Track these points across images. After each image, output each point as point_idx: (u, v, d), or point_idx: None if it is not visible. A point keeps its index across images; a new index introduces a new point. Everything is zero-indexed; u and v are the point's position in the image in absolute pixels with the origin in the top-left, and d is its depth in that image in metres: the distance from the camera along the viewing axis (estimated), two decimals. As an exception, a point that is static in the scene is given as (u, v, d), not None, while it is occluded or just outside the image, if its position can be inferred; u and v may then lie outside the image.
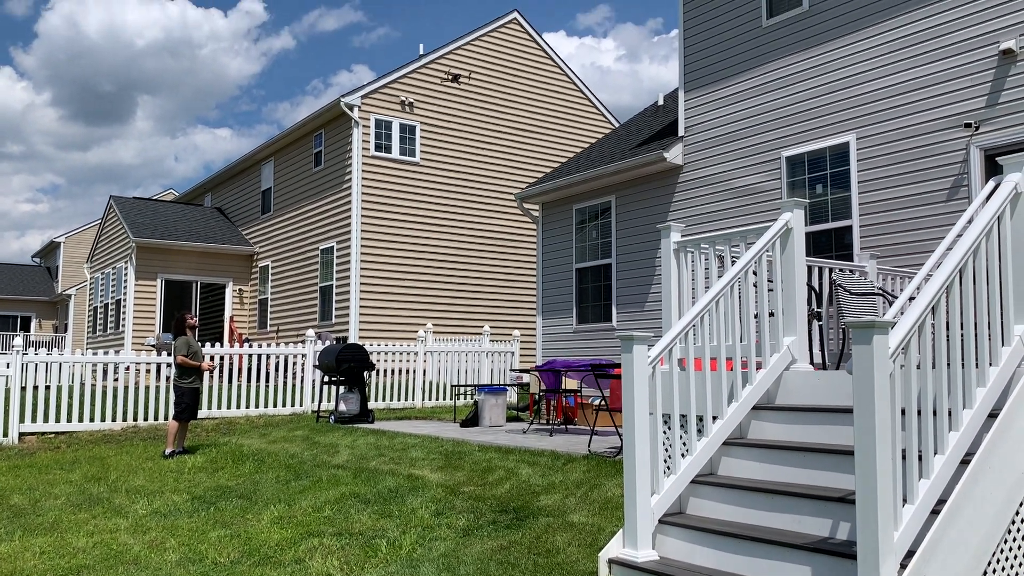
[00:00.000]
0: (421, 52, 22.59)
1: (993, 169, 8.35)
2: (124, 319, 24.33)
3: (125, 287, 24.46)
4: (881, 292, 7.52)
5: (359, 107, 20.99)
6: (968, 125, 8.69)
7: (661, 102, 15.94)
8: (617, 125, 24.35)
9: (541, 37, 24.52)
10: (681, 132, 12.24)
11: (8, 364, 11.72)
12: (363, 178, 20.93)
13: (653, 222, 12.57)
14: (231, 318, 25.31)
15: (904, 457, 3.88)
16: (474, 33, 23.19)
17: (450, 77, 21.31)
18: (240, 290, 25.82)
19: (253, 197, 26.48)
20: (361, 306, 20.59)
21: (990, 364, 4.46)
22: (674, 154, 12.12)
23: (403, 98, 21.68)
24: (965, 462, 4.08)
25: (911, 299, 5.64)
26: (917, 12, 9.30)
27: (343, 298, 20.90)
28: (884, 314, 7.34)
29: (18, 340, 11.94)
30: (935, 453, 4.03)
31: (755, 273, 6.02)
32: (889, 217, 9.41)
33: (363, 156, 20.99)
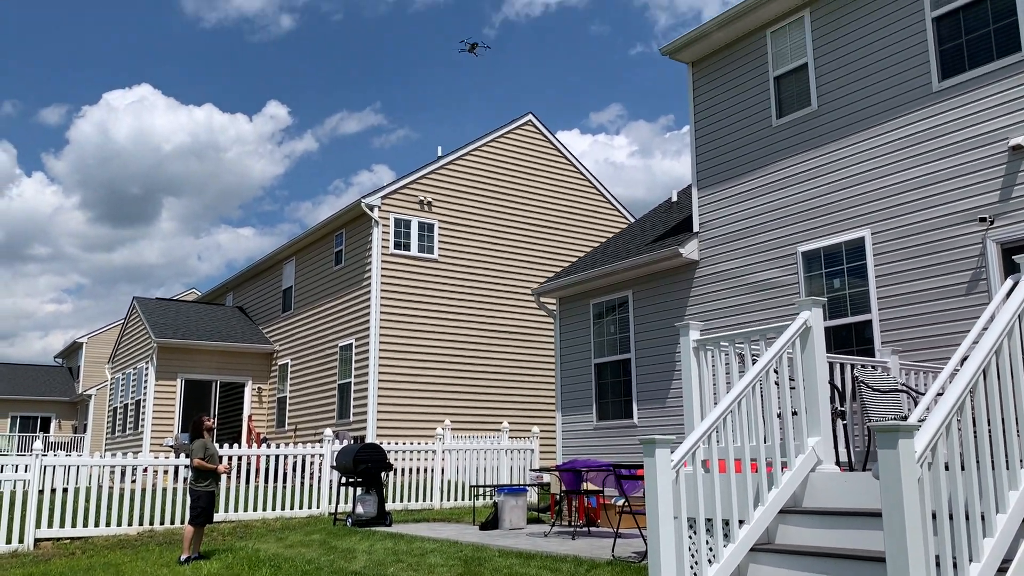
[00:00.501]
0: (439, 154, 23.19)
1: (1011, 263, 8.35)
2: (143, 420, 24.32)
3: (145, 387, 24.54)
4: (905, 388, 7.43)
5: (379, 207, 21.43)
6: (983, 219, 8.73)
7: (675, 198, 16.16)
8: (632, 220, 24.66)
9: (555, 137, 25.14)
10: (696, 228, 12.37)
11: (27, 467, 11.70)
12: (382, 275, 21.19)
13: (671, 317, 12.57)
14: (249, 417, 25.25)
15: (938, 564, 3.76)
16: (491, 135, 23.82)
17: (469, 46, 20.95)
18: (259, 388, 25.84)
19: (274, 296, 26.80)
20: (379, 403, 20.52)
21: (1021, 466, 4.37)
22: (689, 250, 12.22)
23: (421, 197, 22.13)
24: (1003, 570, 3.95)
25: (938, 395, 5.56)
26: (925, 110, 9.49)
27: (361, 396, 20.86)
28: (909, 411, 7.23)
29: (37, 444, 11.96)
30: (970, 561, 3.91)
31: (776, 372, 5.99)
32: (909, 311, 9.38)
33: (382, 254, 21.31)
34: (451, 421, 19.64)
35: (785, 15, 11.31)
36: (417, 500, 14.87)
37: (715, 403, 6.59)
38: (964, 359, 6.04)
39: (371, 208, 21.26)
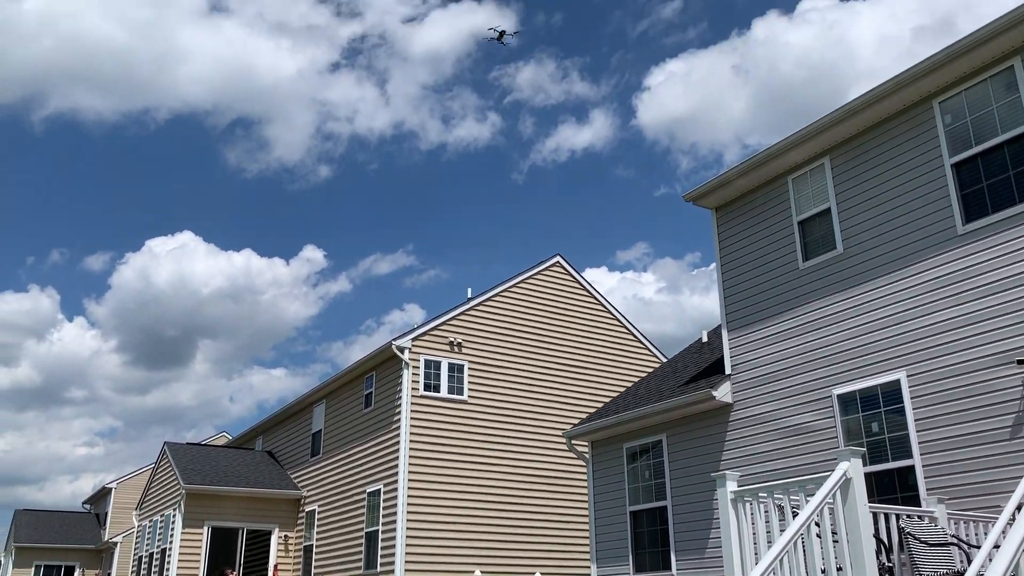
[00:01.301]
0: (469, 295, 23.54)
1: (1054, 406, 8.14)
2: (168, 570, 23.78)
3: (172, 535, 24.14)
4: (956, 541, 7.12)
5: (409, 349, 21.58)
6: (1021, 362, 8.59)
7: (705, 339, 16.14)
8: (663, 359, 24.55)
9: (583, 276, 25.48)
10: (728, 370, 12.28)
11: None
12: (411, 418, 21.08)
13: (707, 463, 12.29)
14: (276, 566, 24.60)
15: None
16: (519, 276, 24.22)
17: (497, 35, 20.47)
18: (285, 536, 25.31)
19: (303, 440, 26.67)
20: (407, 552, 19.95)
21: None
22: (722, 392, 12.08)
23: (451, 339, 22.30)
24: None
25: (994, 548, 5.31)
26: (950, 253, 9.54)
27: (389, 544, 20.31)
28: (962, 565, 6.90)
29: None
30: None
31: (818, 524, 5.79)
32: (952, 456, 9.10)
33: (412, 396, 21.28)
34: (481, 572, 18.98)
35: (805, 162, 11.62)
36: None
37: (756, 557, 6.34)
38: (1019, 507, 5.81)
39: (401, 350, 21.43)
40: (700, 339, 16.47)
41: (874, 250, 10.45)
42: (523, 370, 23.32)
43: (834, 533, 5.95)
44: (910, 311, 9.86)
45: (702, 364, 14.26)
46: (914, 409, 9.58)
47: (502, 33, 20.09)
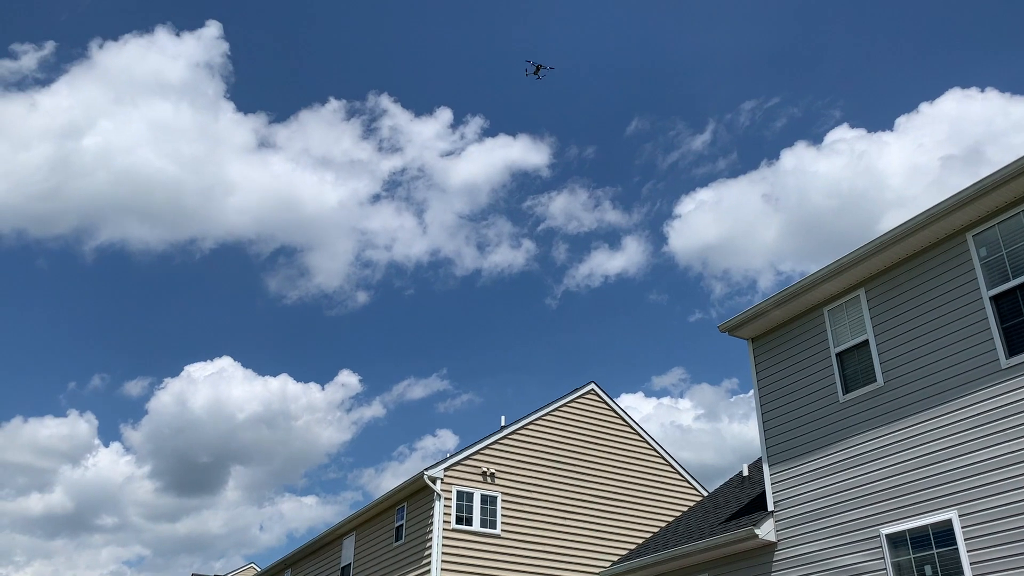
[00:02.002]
0: (502, 423, 23.28)
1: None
2: None
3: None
4: None
5: (441, 479, 21.23)
6: (1079, 502, 8.21)
7: (746, 472, 15.71)
8: (704, 493, 23.85)
9: (618, 404, 25.15)
10: (770, 507, 11.87)
11: None
12: (443, 554, 20.49)
13: (751, 605, 11.71)
14: None
15: None
16: (553, 404, 23.98)
17: (534, 68, 20.21)
18: (311, 677, 24.26)
19: (332, 573, 25.95)
20: None
21: None
22: (765, 530, 11.64)
23: (484, 469, 21.93)
24: None
25: None
26: (994, 388, 9.31)
27: None
28: None
29: None
30: None
31: None
32: (1014, 604, 8.57)
33: (443, 529, 20.76)
34: None
35: (841, 294, 11.60)
36: None
37: None
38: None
39: (433, 480, 21.07)
40: (741, 473, 16.03)
41: (916, 383, 10.24)
42: (557, 503, 22.75)
43: None
44: (957, 447, 9.55)
45: (743, 499, 13.83)
46: (969, 552, 9.13)
47: (539, 67, 20.70)
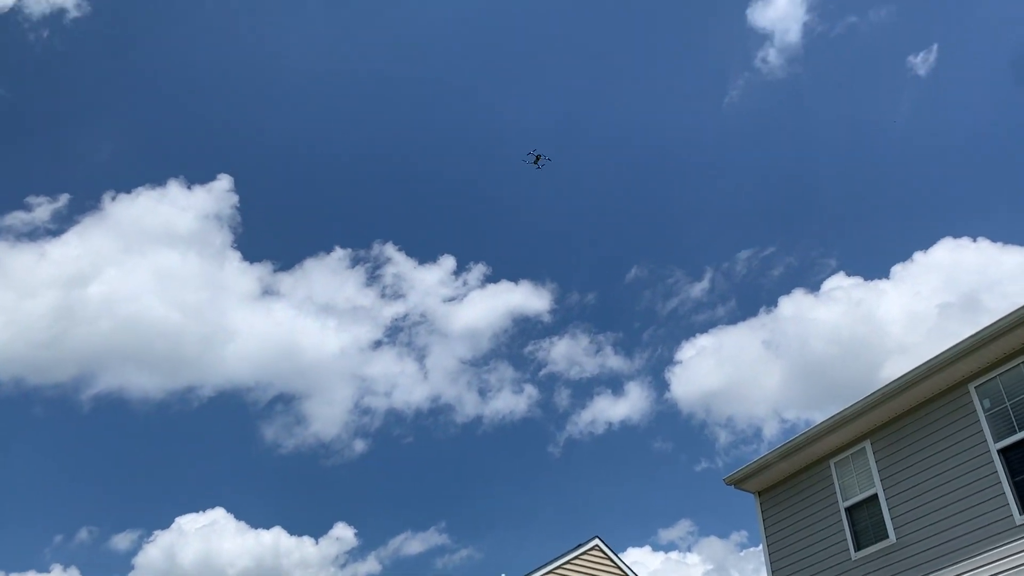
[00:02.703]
0: (503, 581, 22.35)
1: None
2: None
3: None
4: None
5: (439, 643, 20.16)
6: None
7: (758, 635, 14.95)
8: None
9: (623, 561, 24.23)
10: (785, 674, 11.22)
11: None
12: None
13: None
14: None
15: None
16: (555, 561, 23.10)
17: (534, 158, 19.53)
18: None
19: None
20: None
21: None
22: None
23: (484, 631, 20.86)
24: None
25: None
26: (1013, 544, 8.99)
27: None
28: None
29: None
30: None
31: None
32: None
33: None
34: None
35: (846, 445, 11.43)
36: None
37: None
38: None
39: (431, 644, 20.01)
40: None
41: (929, 540, 9.91)
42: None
43: None
44: (979, 609, 9.13)
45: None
46: None
47: (538, 157, 21.02)
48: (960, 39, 36.31)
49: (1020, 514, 9.04)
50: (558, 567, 23.18)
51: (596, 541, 24.14)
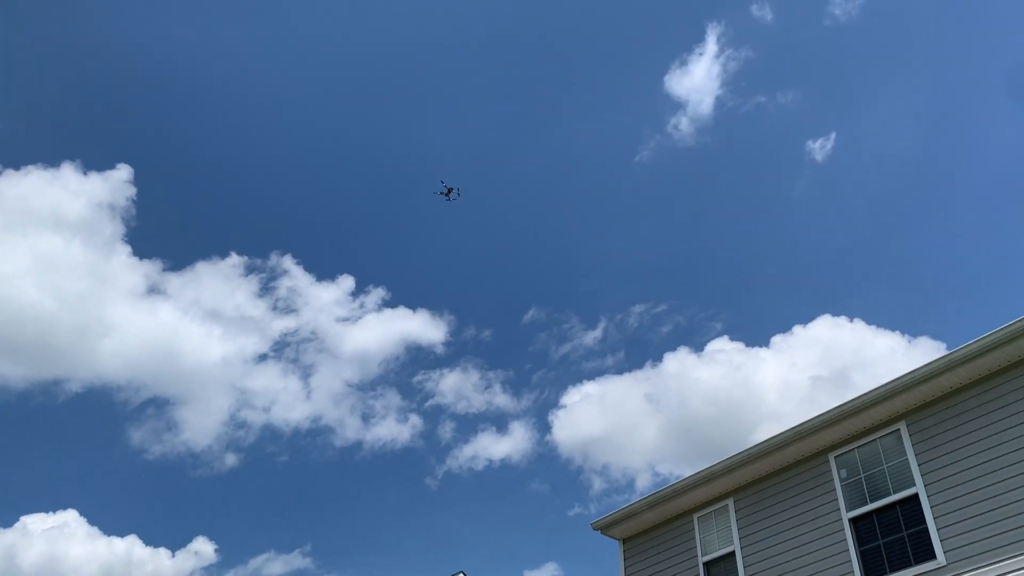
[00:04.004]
0: (361, 611, 21.81)
1: None
2: None
3: None
4: None
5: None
6: None
7: None
8: None
9: (486, 600, 24.05)
10: None
11: None
12: None
13: None
14: None
15: None
16: (418, 593, 22.73)
17: (446, 191, 19.20)
18: None
19: None
20: None
21: None
22: None
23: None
24: None
25: None
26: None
27: None
28: None
29: None
30: None
31: None
32: None
33: None
34: None
35: (710, 501, 11.72)
36: None
37: None
38: None
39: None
40: None
41: (779, 601, 10.22)
42: None
43: None
44: (816, 672, 9.44)
45: None
46: None
47: (450, 190, 20.84)
48: (856, 131, 38.57)
49: (863, 582, 9.44)
50: (418, 600, 22.76)
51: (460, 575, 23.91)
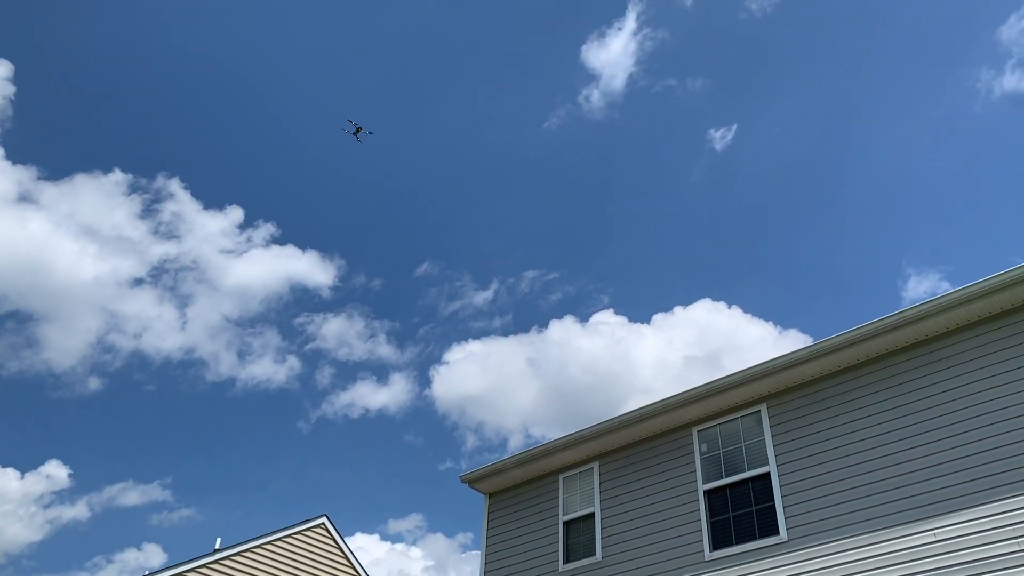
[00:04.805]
0: (217, 546, 21.46)
1: None
2: None
3: None
4: None
5: (132, 599, 18.97)
6: None
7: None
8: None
9: (347, 544, 24.06)
10: (474, 671, 11.59)
11: None
12: None
13: None
14: None
15: None
16: (277, 533, 22.51)
17: (355, 129, 18.76)
18: None
19: None
20: None
21: None
22: None
23: (185, 594, 19.87)
24: None
25: None
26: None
27: None
28: None
29: None
30: None
31: None
32: None
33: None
34: None
35: (577, 463, 12.05)
36: None
37: None
38: None
39: (123, 600, 18.79)
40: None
41: (630, 562, 10.65)
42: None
43: None
44: (657, 631, 9.92)
45: (450, 660, 13.43)
46: None
47: (359, 129, 20.14)
48: (757, 125, 39.81)
49: (710, 551, 9.95)
50: (278, 539, 22.62)
51: (323, 520, 23.81)
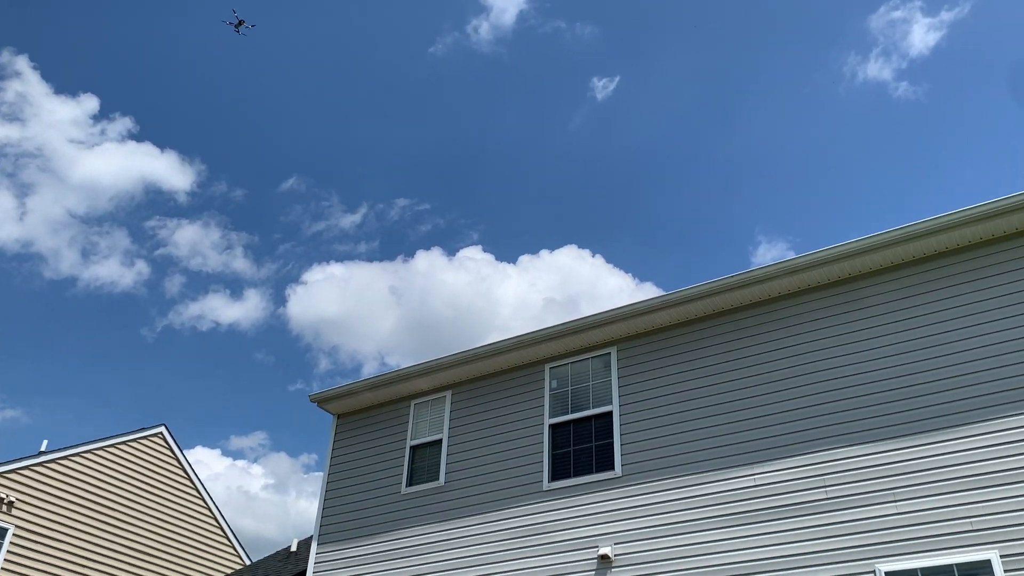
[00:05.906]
0: (43, 448, 20.47)
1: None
2: None
3: None
4: None
5: (-57, 499, 17.89)
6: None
7: (295, 548, 15.44)
8: (247, 562, 22.91)
9: (185, 456, 23.51)
10: (308, 585, 11.71)
11: None
12: (-83, 586, 17.05)
13: None
14: None
15: None
16: (110, 440, 21.69)
17: (237, 22, 17.86)
18: None
19: None
20: None
21: None
22: (297, 609, 11.42)
23: (3, 495, 18.93)
24: None
25: None
26: (535, 506, 10.29)
27: None
28: None
29: None
30: None
31: None
32: None
33: (-73, 558, 17.35)
34: None
35: (430, 391, 12.20)
36: None
37: None
38: None
39: (-67, 498, 17.67)
40: (289, 548, 15.72)
41: (471, 488, 10.97)
42: (85, 547, 20.27)
43: None
44: (503, 552, 10.29)
45: (284, 574, 13.50)
46: (475, 654, 9.75)
47: (241, 22, 18.89)
48: (639, 80, 40.48)
49: (548, 482, 10.37)
50: (111, 446, 21.82)
51: (161, 429, 23.12)
